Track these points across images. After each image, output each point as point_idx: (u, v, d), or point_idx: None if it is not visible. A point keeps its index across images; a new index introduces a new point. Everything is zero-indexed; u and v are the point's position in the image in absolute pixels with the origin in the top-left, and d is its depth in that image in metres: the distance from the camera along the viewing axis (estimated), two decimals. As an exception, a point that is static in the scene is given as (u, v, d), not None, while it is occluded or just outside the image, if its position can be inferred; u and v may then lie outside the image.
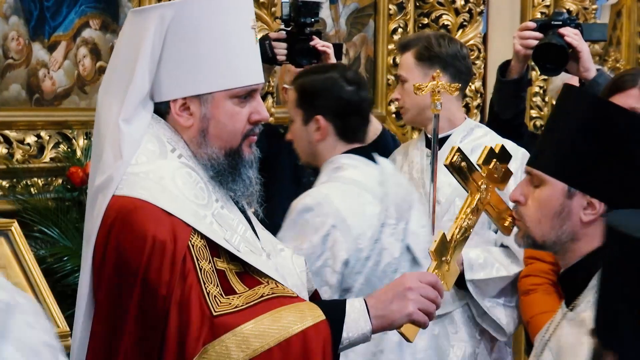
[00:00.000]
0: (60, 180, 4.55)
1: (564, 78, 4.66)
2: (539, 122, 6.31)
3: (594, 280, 2.35)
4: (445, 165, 2.83)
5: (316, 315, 2.49)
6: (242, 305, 2.46)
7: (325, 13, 5.50)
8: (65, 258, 4.28)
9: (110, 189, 2.53)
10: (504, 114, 4.21)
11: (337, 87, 3.50)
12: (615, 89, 3.62)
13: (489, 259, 3.97)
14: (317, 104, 3.50)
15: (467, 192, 2.84)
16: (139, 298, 2.44)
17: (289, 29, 4.31)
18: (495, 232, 4.03)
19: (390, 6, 5.72)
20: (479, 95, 5.89)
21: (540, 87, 6.27)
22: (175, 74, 2.58)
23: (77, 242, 4.28)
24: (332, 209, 3.38)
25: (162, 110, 2.61)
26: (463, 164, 2.81)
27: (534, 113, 6.33)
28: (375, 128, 4.18)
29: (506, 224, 2.84)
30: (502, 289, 4.01)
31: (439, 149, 3.92)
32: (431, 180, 3.91)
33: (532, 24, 4.14)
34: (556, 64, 4.07)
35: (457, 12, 5.80)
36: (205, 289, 2.44)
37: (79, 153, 4.58)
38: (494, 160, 2.85)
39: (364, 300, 2.58)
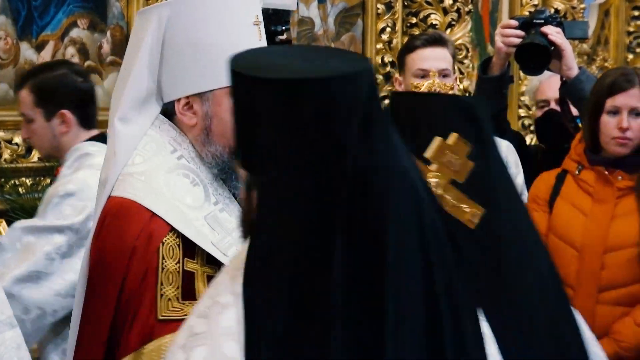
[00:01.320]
0: (48, 180, 4.54)
1: (541, 79, 4.68)
2: (527, 121, 6.32)
3: None
4: None
5: None
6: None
7: (313, 12, 5.51)
8: (53, 257, 4.27)
9: (106, 189, 2.57)
10: (486, 111, 4.21)
11: (71, 80, 3.79)
12: (616, 89, 3.66)
13: None
14: (57, 99, 3.76)
15: None
16: (115, 302, 2.47)
17: None
18: None
19: (379, 5, 5.72)
20: (467, 94, 5.90)
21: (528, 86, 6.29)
22: (176, 74, 2.60)
23: (66, 241, 4.28)
24: (92, 193, 3.44)
25: (169, 110, 2.63)
26: None
27: (522, 112, 6.35)
28: None
29: (467, 217, 2.71)
30: None
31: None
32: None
33: (514, 22, 4.14)
34: (539, 64, 4.08)
35: (445, 12, 5.81)
36: (160, 289, 2.46)
37: (67, 152, 4.58)
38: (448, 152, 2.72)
39: None
